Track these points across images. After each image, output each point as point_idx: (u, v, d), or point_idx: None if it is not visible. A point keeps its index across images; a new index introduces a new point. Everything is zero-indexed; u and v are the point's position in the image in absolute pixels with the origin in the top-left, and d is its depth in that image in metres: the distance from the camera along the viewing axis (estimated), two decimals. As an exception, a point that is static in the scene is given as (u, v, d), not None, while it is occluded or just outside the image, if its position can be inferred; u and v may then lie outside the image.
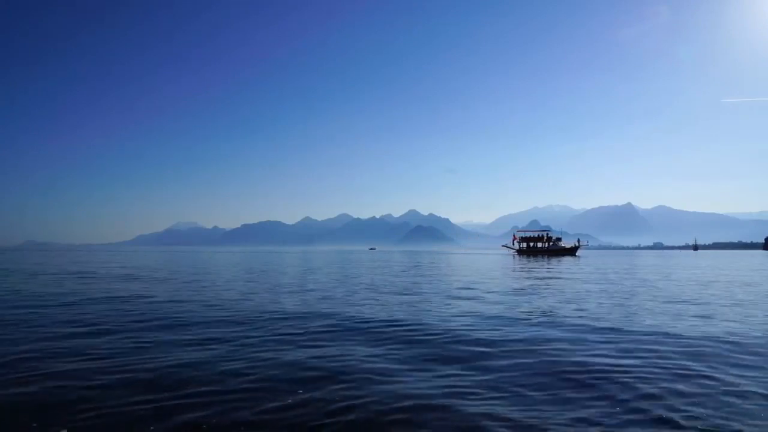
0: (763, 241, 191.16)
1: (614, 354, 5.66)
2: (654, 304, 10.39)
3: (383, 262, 38.85)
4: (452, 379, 4.67)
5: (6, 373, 4.81)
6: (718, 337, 6.67)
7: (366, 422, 3.59)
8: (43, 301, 10.82)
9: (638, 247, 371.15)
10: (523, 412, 3.77)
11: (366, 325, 7.60)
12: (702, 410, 3.80)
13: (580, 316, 8.55)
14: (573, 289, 13.77)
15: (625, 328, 7.30)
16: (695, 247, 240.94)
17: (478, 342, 6.33)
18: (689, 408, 3.86)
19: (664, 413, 3.76)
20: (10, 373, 4.83)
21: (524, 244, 67.35)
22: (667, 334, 6.83)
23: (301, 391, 4.25)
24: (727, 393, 4.22)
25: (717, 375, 4.77)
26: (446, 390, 4.31)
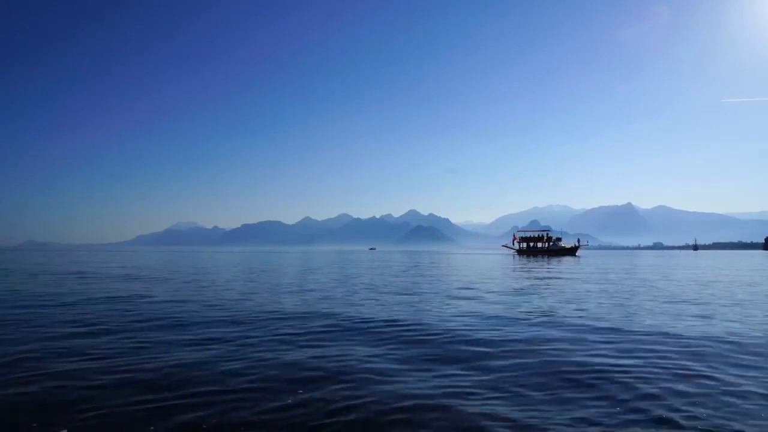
0: (763, 241, 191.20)
1: (614, 354, 5.66)
2: (654, 304, 10.39)
3: (383, 262, 38.85)
4: (452, 379, 4.67)
5: (6, 373, 4.81)
6: (718, 337, 6.67)
7: (366, 422, 3.59)
8: (43, 301, 10.82)
9: (638, 247, 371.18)
10: (523, 412, 3.77)
11: (366, 325, 7.60)
12: (702, 410, 3.80)
13: (580, 316, 8.55)
14: (573, 289, 13.77)
15: (625, 328, 7.30)
16: (695, 247, 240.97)
17: (478, 342, 6.33)
18: (689, 408, 3.86)
19: (664, 413, 3.76)
20: (10, 373, 4.83)
21: (524, 244, 67.35)
22: (667, 334, 6.83)
23: (301, 391, 4.25)
24: (726, 393, 4.23)
25: (717, 375, 4.78)
26: (446, 390, 4.31)
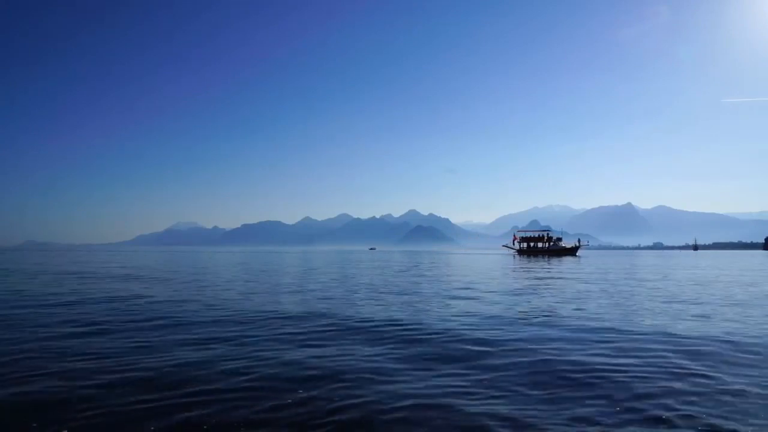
0: (763, 241, 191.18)
1: (614, 354, 5.67)
2: (654, 304, 10.40)
3: (383, 262, 38.86)
4: (452, 378, 4.68)
5: (6, 373, 4.81)
6: (718, 337, 6.67)
7: (366, 421, 3.60)
8: (43, 300, 10.83)
9: (638, 247, 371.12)
10: (523, 412, 3.78)
11: (366, 325, 7.61)
12: (701, 410, 3.81)
13: (580, 316, 8.56)
14: (573, 289, 13.78)
15: (625, 328, 7.30)
16: (695, 247, 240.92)
17: (478, 342, 6.34)
18: (688, 407, 3.86)
19: (663, 413, 3.76)
20: (10, 373, 4.84)
21: (525, 244, 67.33)
22: (666, 334, 6.84)
23: (301, 391, 4.26)
24: (725, 393, 4.23)
25: (716, 375, 4.78)
26: (446, 389, 4.32)
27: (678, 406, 3.89)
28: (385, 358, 5.45)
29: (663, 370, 4.95)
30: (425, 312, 9.12)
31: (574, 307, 9.87)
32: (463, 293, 12.69)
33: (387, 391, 4.25)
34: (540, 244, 65.68)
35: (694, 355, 5.62)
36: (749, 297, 12.04)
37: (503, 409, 3.84)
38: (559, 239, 66.35)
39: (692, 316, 8.72)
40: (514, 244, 68.89)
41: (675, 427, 3.51)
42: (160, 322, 7.92)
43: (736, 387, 4.38)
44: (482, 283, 16.30)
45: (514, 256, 54.11)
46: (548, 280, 17.49)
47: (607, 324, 7.71)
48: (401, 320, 8.05)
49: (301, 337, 6.69)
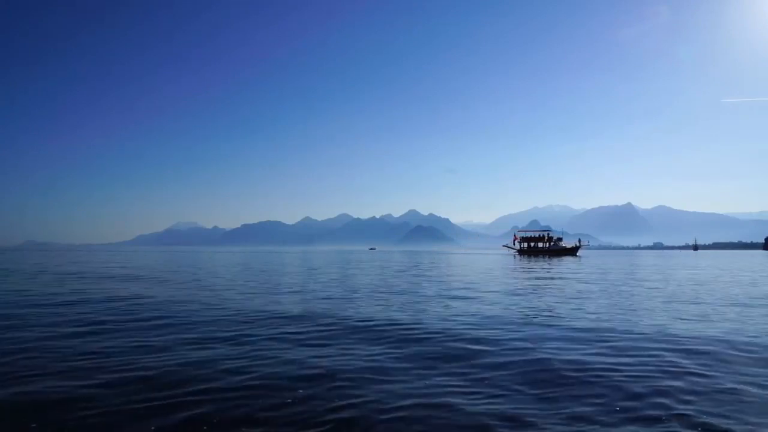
0: (763, 241, 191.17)
1: (613, 353, 5.67)
2: (653, 304, 10.40)
3: (383, 262, 38.86)
4: (451, 378, 4.69)
5: (6, 373, 4.82)
6: (717, 337, 6.68)
7: (366, 420, 3.61)
8: (44, 300, 10.84)
9: (638, 247, 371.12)
10: (522, 411, 3.79)
11: (365, 325, 7.61)
12: (700, 409, 3.82)
13: (579, 316, 8.56)
14: (573, 289, 13.78)
15: (625, 328, 7.31)
16: (695, 247, 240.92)
17: (478, 341, 6.34)
18: (687, 407, 3.87)
19: (661, 412, 3.77)
20: (10, 373, 4.84)
21: (525, 244, 67.35)
22: (666, 334, 6.84)
23: (301, 390, 4.26)
24: (724, 392, 4.24)
25: (715, 375, 4.79)
26: (446, 389, 4.33)
27: (675, 406, 3.90)
28: (385, 358, 5.46)
29: (662, 369, 4.96)
30: (425, 312, 9.12)
31: (574, 306, 9.88)
32: (463, 293, 12.70)
33: (387, 391, 4.26)
34: (540, 244, 65.68)
35: (693, 354, 5.63)
36: (749, 297, 12.04)
37: (503, 408, 3.85)
38: (560, 239, 66.34)
39: (692, 316, 8.72)
40: (514, 244, 68.89)
41: (672, 426, 3.52)
42: (161, 321, 7.93)
43: (735, 387, 4.38)
44: (482, 283, 16.30)
45: (514, 256, 54.11)
46: (548, 280, 17.50)
47: (606, 324, 7.71)
48: (401, 320, 8.05)
49: (301, 336, 6.69)
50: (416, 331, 7.03)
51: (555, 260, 40.62)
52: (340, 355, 5.56)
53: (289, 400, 4.01)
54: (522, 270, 25.21)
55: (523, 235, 69.00)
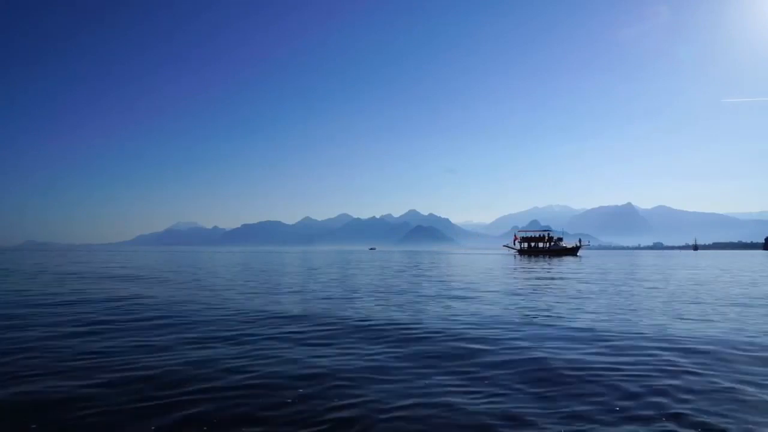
0: (763, 241, 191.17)
1: (613, 353, 5.67)
2: (653, 304, 10.40)
3: (383, 262, 38.86)
4: (451, 377, 4.69)
5: (6, 373, 4.82)
6: (717, 337, 6.68)
7: (365, 420, 3.61)
8: (44, 300, 10.84)
9: (638, 247, 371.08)
10: (522, 410, 3.79)
11: (365, 325, 7.61)
12: (698, 409, 3.82)
13: (579, 316, 8.56)
14: (573, 289, 13.79)
15: (625, 328, 7.31)
16: (695, 247, 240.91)
17: (478, 341, 6.34)
18: (686, 407, 3.87)
19: (660, 411, 3.78)
20: (10, 372, 4.84)
21: (525, 244, 67.36)
22: (666, 334, 6.85)
23: (301, 389, 4.26)
24: (723, 392, 4.24)
25: (714, 374, 4.79)
26: (445, 388, 4.33)
27: (674, 405, 3.90)
28: (385, 357, 5.46)
29: (661, 369, 4.96)
30: (425, 311, 9.13)
31: (574, 306, 9.88)
32: (463, 293, 12.70)
33: (387, 390, 4.26)
34: (541, 244, 65.68)
35: (692, 354, 5.63)
36: (749, 297, 12.04)
37: (503, 407, 3.85)
38: (560, 239, 66.33)
39: (692, 316, 8.72)
40: (514, 244, 68.90)
41: (671, 425, 3.52)
42: (161, 321, 7.93)
43: (733, 386, 4.39)
44: (482, 283, 16.30)
45: (514, 256, 54.11)
46: (548, 280, 17.50)
47: (606, 324, 7.71)
48: (401, 320, 8.05)
49: (301, 336, 6.69)
50: (416, 331, 7.03)
51: (555, 260, 40.62)
52: (340, 355, 5.56)
53: (289, 400, 4.01)
54: (522, 270, 25.21)
55: (524, 235, 69.00)
